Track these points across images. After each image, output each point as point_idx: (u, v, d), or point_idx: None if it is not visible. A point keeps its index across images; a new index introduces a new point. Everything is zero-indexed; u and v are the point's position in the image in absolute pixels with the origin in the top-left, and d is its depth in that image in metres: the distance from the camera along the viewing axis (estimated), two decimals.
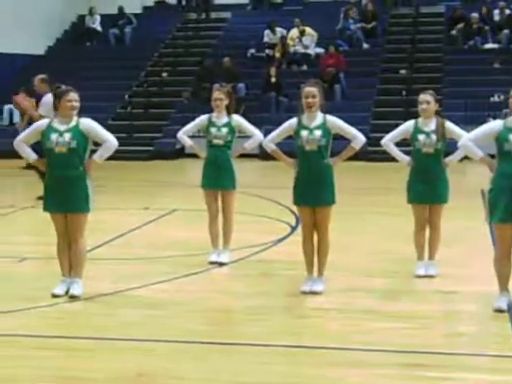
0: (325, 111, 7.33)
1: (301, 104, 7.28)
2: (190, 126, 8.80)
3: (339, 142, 7.59)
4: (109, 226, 10.67)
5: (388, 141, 8.04)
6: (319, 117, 7.28)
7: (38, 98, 13.23)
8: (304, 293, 7.34)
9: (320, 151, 7.23)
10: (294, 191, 7.40)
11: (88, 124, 7.15)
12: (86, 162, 7.13)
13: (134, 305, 7.10)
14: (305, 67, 23.69)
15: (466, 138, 6.93)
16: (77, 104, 7.12)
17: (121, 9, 26.90)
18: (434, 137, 7.79)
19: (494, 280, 6.82)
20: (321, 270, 7.49)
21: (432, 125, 7.83)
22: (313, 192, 7.26)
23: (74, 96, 7.12)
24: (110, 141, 7.16)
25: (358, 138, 7.35)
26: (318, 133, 7.21)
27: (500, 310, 6.66)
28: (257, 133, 8.64)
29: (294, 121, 7.36)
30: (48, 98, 12.67)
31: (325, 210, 7.33)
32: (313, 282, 7.42)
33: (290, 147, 7.47)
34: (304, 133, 7.24)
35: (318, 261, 7.47)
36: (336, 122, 7.31)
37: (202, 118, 8.70)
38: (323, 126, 7.23)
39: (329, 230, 7.39)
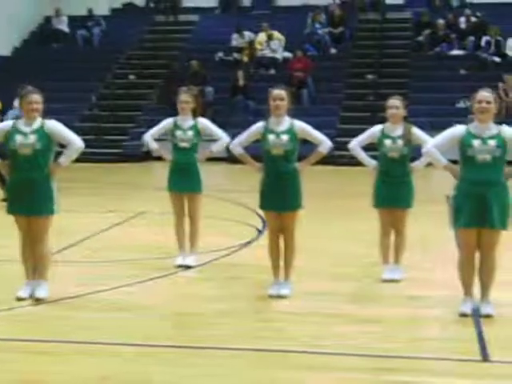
0: (292, 116, 7.34)
1: (268, 107, 7.29)
2: (156, 129, 8.77)
3: (307, 146, 7.59)
4: (75, 228, 10.59)
5: (355, 145, 8.08)
6: (286, 121, 7.28)
7: None
8: (271, 296, 7.34)
9: (286, 156, 7.24)
10: (260, 195, 7.40)
11: (53, 126, 7.09)
12: (51, 165, 7.07)
13: (99, 308, 7.06)
14: (272, 71, 23.72)
15: (429, 144, 6.96)
16: (37, 106, 7.04)
17: (90, 10, 26.75)
18: (400, 142, 7.84)
19: (458, 285, 6.87)
20: (287, 274, 7.49)
21: (399, 130, 7.88)
22: (279, 197, 7.26)
23: (34, 98, 7.04)
24: (76, 143, 7.11)
25: (325, 143, 7.37)
26: (284, 137, 7.21)
27: (464, 315, 6.71)
28: (223, 135, 8.63)
29: (260, 124, 7.36)
30: None
31: (291, 215, 7.33)
32: (279, 285, 7.43)
33: (257, 151, 7.47)
34: (271, 137, 7.24)
35: (285, 265, 7.47)
36: (303, 127, 7.32)
37: (168, 121, 8.68)
38: (290, 131, 7.23)
39: (295, 235, 7.40)
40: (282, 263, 7.48)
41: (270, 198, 7.30)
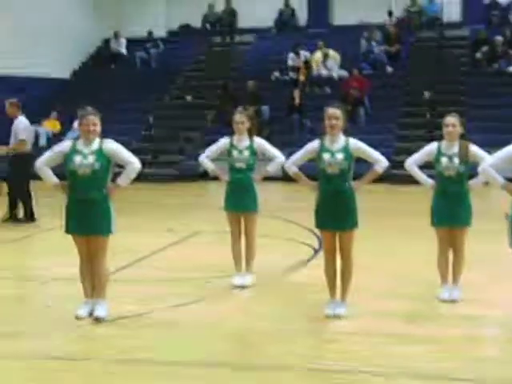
0: (348, 134, 7.32)
1: (324, 126, 7.28)
2: (212, 150, 8.80)
3: (362, 164, 7.56)
4: (132, 247, 10.68)
5: (411, 164, 8.01)
6: (342, 140, 7.26)
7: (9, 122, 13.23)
8: (328, 316, 7.29)
9: (342, 174, 7.20)
10: (315, 214, 7.37)
11: (111, 146, 7.18)
12: (109, 185, 7.16)
13: (158, 326, 7.09)
14: (328, 90, 23.71)
15: (486, 163, 6.86)
16: (95, 128, 7.13)
17: (150, 32, 27.12)
18: (456, 160, 7.75)
19: None
20: (344, 294, 7.44)
21: (455, 148, 7.80)
22: (335, 216, 7.22)
23: (92, 119, 7.14)
24: (133, 163, 7.18)
25: (382, 162, 7.32)
26: (340, 156, 7.19)
27: None
28: (278, 155, 8.63)
29: (316, 143, 7.34)
30: (19, 121, 12.88)
31: (347, 234, 7.30)
32: (336, 305, 7.38)
33: (314, 170, 7.45)
34: (326, 156, 7.22)
35: (342, 285, 7.42)
36: (358, 146, 7.28)
37: (224, 142, 8.70)
38: (345, 149, 7.20)
39: (352, 255, 7.35)
40: (338, 282, 7.43)
41: (325, 216, 7.27)
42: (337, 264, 7.40)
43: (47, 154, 7.31)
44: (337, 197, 7.23)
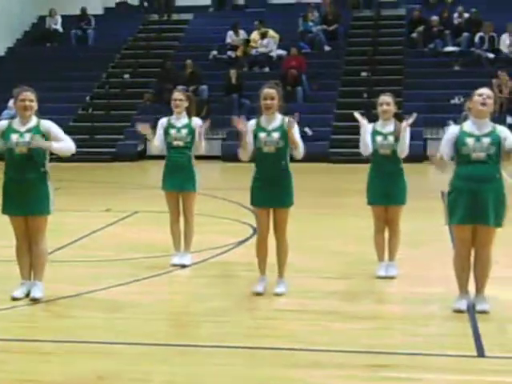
0: (284, 113, 7.34)
1: (259, 106, 7.29)
2: (159, 134, 8.66)
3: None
4: (70, 227, 10.59)
5: (364, 146, 7.92)
6: (278, 119, 7.28)
7: None
8: (257, 294, 7.33)
9: (278, 153, 7.24)
10: (251, 192, 7.40)
11: (49, 126, 7.08)
12: (39, 140, 6.95)
13: (95, 307, 7.06)
14: (267, 69, 23.73)
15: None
16: (31, 103, 7.03)
17: (83, 10, 26.72)
18: (391, 138, 7.85)
19: (453, 281, 6.89)
20: (281, 271, 7.49)
21: (390, 126, 7.89)
22: (271, 193, 7.27)
23: (27, 95, 7.04)
24: (71, 142, 7.10)
25: (301, 148, 7.25)
26: (275, 135, 7.22)
27: (459, 311, 6.73)
28: (202, 148, 8.50)
29: (252, 122, 7.36)
30: None
31: (283, 212, 7.34)
32: (264, 282, 7.43)
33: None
34: (262, 135, 7.24)
35: (278, 262, 7.47)
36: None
37: (162, 121, 8.65)
38: (281, 128, 7.24)
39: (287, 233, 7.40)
40: (270, 260, 7.47)
41: (261, 194, 7.30)
42: (270, 243, 7.44)
43: None
44: (273, 175, 7.26)
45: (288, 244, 7.44)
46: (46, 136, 7.02)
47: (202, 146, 8.50)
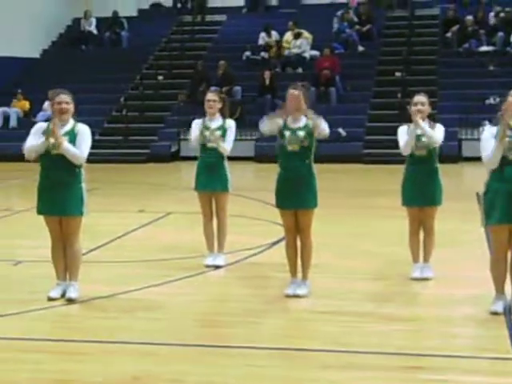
0: (319, 114, 7.33)
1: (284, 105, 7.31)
2: (195, 135, 8.65)
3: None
4: (104, 228, 10.66)
5: (403, 146, 7.86)
6: (304, 118, 7.28)
7: None
8: (287, 296, 7.32)
9: (302, 152, 7.23)
10: (276, 194, 7.39)
11: (83, 131, 7.11)
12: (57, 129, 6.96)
13: (130, 308, 7.09)
14: (300, 70, 23.70)
15: (485, 157, 6.73)
16: (67, 106, 7.08)
17: (115, 13, 26.89)
18: (424, 139, 7.78)
19: (489, 283, 6.83)
20: (305, 273, 7.47)
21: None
22: (294, 195, 7.25)
23: (63, 98, 7.09)
24: (83, 154, 7.03)
25: (327, 131, 7.28)
26: (301, 133, 7.22)
27: (496, 313, 6.66)
28: (227, 148, 8.50)
29: (280, 121, 7.37)
30: None
31: (307, 214, 7.32)
32: (297, 285, 7.42)
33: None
34: (287, 133, 7.25)
35: (302, 264, 7.46)
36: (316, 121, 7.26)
37: (196, 123, 8.65)
38: (307, 128, 7.23)
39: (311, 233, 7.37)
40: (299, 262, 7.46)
41: (285, 197, 7.30)
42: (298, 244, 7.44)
43: (30, 139, 7.12)
44: (296, 175, 7.25)
45: (312, 246, 7.42)
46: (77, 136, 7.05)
47: (223, 148, 8.47)
